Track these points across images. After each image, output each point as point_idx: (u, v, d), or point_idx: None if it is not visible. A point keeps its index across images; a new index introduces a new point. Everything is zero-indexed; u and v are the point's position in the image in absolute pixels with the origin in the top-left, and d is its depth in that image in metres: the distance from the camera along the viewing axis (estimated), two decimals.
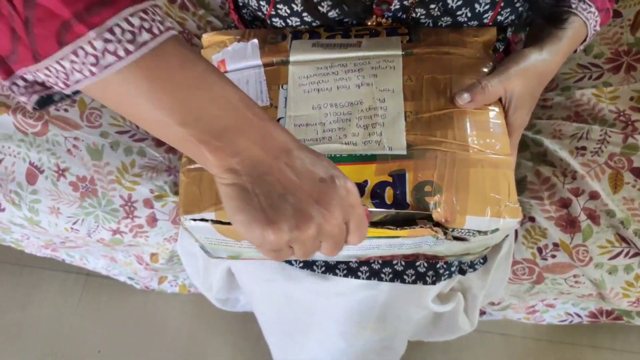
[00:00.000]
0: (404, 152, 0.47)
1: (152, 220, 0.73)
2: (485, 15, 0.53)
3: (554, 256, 0.70)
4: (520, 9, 0.55)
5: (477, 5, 0.52)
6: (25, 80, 0.35)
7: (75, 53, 0.31)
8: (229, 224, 0.46)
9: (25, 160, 0.71)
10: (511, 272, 0.72)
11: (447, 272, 0.66)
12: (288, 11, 0.53)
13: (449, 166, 0.46)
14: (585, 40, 0.59)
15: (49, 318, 1.18)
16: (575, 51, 0.60)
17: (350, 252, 0.55)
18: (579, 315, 0.89)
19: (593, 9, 0.55)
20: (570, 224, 0.69)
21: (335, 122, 0.49)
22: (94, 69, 0.31)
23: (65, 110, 0.72)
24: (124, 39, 0.31)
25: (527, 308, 0.89)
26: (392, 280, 0.64)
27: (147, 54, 0.31)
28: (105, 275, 1.14)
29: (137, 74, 0.32)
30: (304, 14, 0.54)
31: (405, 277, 0.64)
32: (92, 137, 0.71)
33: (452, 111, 0.49)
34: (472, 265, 0.69)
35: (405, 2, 0.52)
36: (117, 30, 0.31)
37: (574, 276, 0.70)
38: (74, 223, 0.73)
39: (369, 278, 0.64)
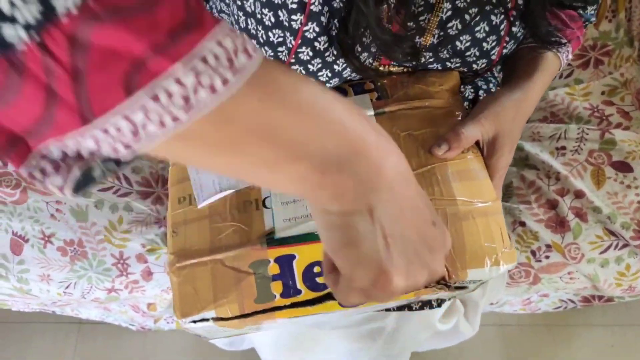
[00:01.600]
0: None
1: (148, 274, 0.72)
2: (493, 52, 0.53)
3: (547, 257, 0.72)
4: (521, 38, 0.55)
5: (484, 44, 0.52)
6: (46, 157, 0.25)
7: (155, 98, 0.22)
8: (230, 319, 0.45)
9: (8, 231, 0.68)
10: (508, 277, 0.74)
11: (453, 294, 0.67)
12: (303, 72, 0.52)
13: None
14: (559, 70, 0.60)
15: None
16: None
17: (357, 311, 0.54)
18: (572, 301, 0.92)
19: (564, 41, 0.56)
20: (559, 224, 0.71)
21: None
22: (181, 114, 0.23)
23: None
24: (219, 66, 0.23)
25: (523, 301, 0.92)
26: (399, 309, 0.64)
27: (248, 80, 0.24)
28: (99, 320, 1.12)
29: None
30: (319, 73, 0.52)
31: (412, 304, 0.65)
32: (74, 199, 0.69)
33: (434, 166, 0.49)
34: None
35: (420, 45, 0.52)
36: (211, 58, 0.23)
37: (569, 273, 0.73)
38: (67, 287, 0.71)
39: (376, 310, 0.64)
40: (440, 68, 0.54)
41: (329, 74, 0.52)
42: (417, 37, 0.50)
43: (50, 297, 0.73)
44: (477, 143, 0.52)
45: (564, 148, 0.73)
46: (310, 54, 0.49)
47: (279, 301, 0.45)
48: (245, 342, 0.95)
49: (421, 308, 0.64)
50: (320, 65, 0.51)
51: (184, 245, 0.47)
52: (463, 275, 0.46)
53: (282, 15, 0.46)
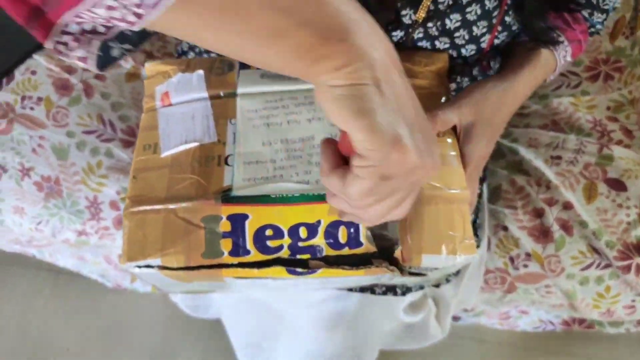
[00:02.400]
0: None
1: (118, 222, 0.71)
2: (483, 39, 0.52)
3: (525, 266, 0.69)
4: (516, 31, 0.54)
5: (474, 28, 0.50)
6: (67, 33, 0.28)
7: None
8: (175, 269, 0.43)
9: None
10: (483, 281, 0.72)
11: (418, 285, 0.65)
12: None
13: None
14: (556, 70, 0.58)
15: (17, 315, 1.15)
16: (545, 80, 0.59)
17: (308, 286, 0.53)
18: (552, 323, 0.89)
19: (562, 38, 0.55)
20: (543, 234, 0.68)
21: (287, 159, 0.46)
22: None
23: (31, 108, 0.70)
24: None
25: (501, 314, 0.89)
26: (362, 291, 0.63)
27: None
28: (76, 272, 1.12)
29: None
30: None
31: (375, 288, 0.63)
32: (58, 137, 0.69)
33: None
34: (446, 278, 0.68)
35: (411, 19, 0.50)
36: None
37: (546, 286, 0.70)
38: (39, 223, 0.70)
39: (339, 289, 0.63)
40: (429, 47, 0.53)
41: None
42: (409, 9, 0.49)
43: (22, 232, 0.73)
44: (454, 129, 0.51)
45: (559, 157, 0.71)
46: None
47: (226, 258, 0.44)
48: (210, 310, 0.94)
49: (384, 293, 0.63)
50: None
51: (141, 192, 0.46)
52: (417, 260, 0.45)
53: None
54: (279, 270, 0.43)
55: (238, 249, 0.43)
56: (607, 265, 0.67)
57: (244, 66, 0.52)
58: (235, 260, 0.43)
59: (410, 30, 0.51)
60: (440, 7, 0.49)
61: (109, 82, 0.73)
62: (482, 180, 0.69)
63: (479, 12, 0.49)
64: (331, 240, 0.44)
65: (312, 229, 0.43)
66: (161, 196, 0.45)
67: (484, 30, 0.51)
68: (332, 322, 0.68)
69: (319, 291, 0.64)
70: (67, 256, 0.94)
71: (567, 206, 0.68)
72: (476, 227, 0.69)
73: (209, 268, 0.43)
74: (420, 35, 0.52)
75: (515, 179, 0.72)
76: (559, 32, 0.53)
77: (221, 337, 1.08)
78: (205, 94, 0.50)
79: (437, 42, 0.52)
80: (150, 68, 0.53)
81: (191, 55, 0.64)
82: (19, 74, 0.71)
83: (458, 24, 0.50)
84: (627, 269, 0.66)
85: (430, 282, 0.62)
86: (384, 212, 0.35)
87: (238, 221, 0.44)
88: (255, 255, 0.43)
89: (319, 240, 0.43)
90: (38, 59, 0.72)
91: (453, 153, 0.49)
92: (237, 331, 0.75)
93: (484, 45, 0.52)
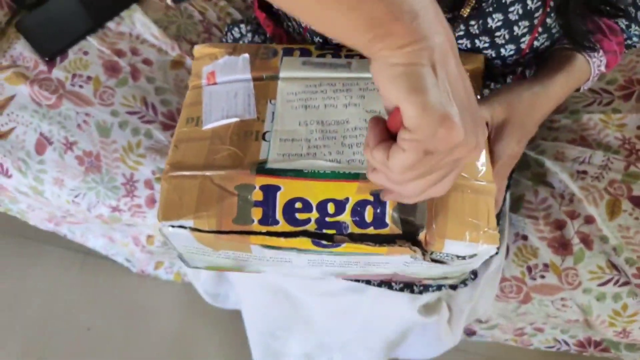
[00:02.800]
0: None
1: (151, 202, 0.75)
2: (523, 40, 0.53)
3: (542, 277, 0.70)
4: (556, 35, 0.55)
5: (515, 28, 0.52)
6: None
7: None
8: (206, 231, 0.46)
9: (37, 130, 0.73)
10: (499, 289, 0.72)
11: (435, 285, 0.66)
12: None
13: None
14: (590, 79, 0.58)
15: (44, 291, 1.20)
16: (578, 90, 0.60)
17: (329, 267, 0.54)
18: (566, 343, 0.88)
19: (598, 47, 0.56)
20: (562, 246, 0.69)
21: (321, 139, 0.49)
22: None
23: (80, 86, 0.74)
24: None
25: (515, 330, 0.89)
26: (380, 285, 0.64)
27: None
28: (104, 255, 1.16)
29: None
30: None
31: (393, 284, 0.65)
32: (102, 115, 0.73)
33: None
34: (463, 281, 0.69)
35: (454, 15, 0.52)
36: None
37: (562, 299, 0.70)
38: (76, 196, 0.74)
39: (357, 281, 0.64)
40: (469, 45, 0.55)
41: None
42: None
43: (59, 204, 0.77)
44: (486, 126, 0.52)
45: (585, 172, 0.72)
46: None
47: (255, 226, 0.46)
48: (229, 299, 0.97)
49: (401, 290, 0.64)
50: None
51: (181, 159, 0.49)
52: (440, 244, 0.46)
53: None
54: (305, 241, 0.45)
55: (267, 218, 0.45)
56: (626, 283, 0.67)
57: (287, 53, 0.55)
58: (264, 228, 0.45)
59: (452, 26, 0.53)
60: (484, 5, 0.51)
61: (155, 67, 0.77)
62: (506, 188, 0.70)
63: (520, 11, 0.51)
64: (357, 218, 0.45)
65: (340, 206, 0.45)
66: (199, 164, 0.48)
67: (525, 30, 0.52)
68: (347, 314, 0.69)
69: (337, 281, 0.65)
70: (98, 235, 0.99)
71: (589, 220, 0.68)
72: None
73: (238, 234, 0.45)
74: (461, 33, 0.54)
75: (539, 190, 0.72)
76: (595, 39, 0.55)
77: (237, 330, 1.10)
78: (249, 76, 0.53)
79: (477, 41, 0.54)
80: (199, 50, 0.56)
81: (230, 37, 0.67)
82: (72, 53, 0.76)
83: (499, 23, 0.52)
84: None
85: (448, 283, 0.62)
86: (424, 188, 0.37)
87: (270, 192, 0.46)
88: (283, 226, 0.45)
89: (346, 217, 0.45)
90: (91, 41, 0.76)
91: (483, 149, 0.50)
92: (253, 318, 0.77)
93: (523, 45, 0.54)
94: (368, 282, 0.64)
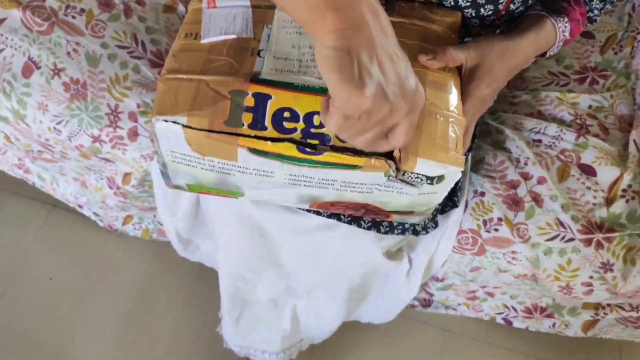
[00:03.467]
0: None
1: (133, 134, 0.77)
2: (501, 1, 0.60)
3: (496, 230, 0.75)
4: (529, 1, 0.62)
5: None
6: None
7: None
8: (198, 129, 0.49)
9: (25, 54, 0.74)
10: (456, 240, 0.78)
11: (400, 227, 0.71)
12: None
13: None
14: (555, 43, 0.65)
15: (7, 239, 1.18)
16: (544, 54, 0.67)
17: (307, 188, 0.57)
18: (514, 309, 0.94)
19: (563, 15, 0.63)
20: (515, 203, 0.75)
21: (312, 60, 0.53)
22: None
23: (73, 17, 0.76)
24: None
25: (468, 292, 0.94)
26: (350, 223, 0.69)
27: None
28: (72, 207, 1.16)
29: None
30: None
31: (362, 222, 0.69)
32: (92, 46, 0.75)
33: (416, 70, 0.54)
34: (425, 228, 0.74)
35: None
36: None
37: (512, 252, 0.76)
38: (58, 123, 0.76)
39: (329, 217, 0.69)
40: (452, 3, 0.60)
41: None
42: None
43: (40, 131, 0.78)
44: (459, 69, 0.58)
45: (539, 141, 0.78)
46: None
47: (245, 130, 0.49)
48: (199, 251, 0.99)
49: (369, 228, 0.68)
50: None
51: (178, 66, 0.53)
52: (412, 162, 0.51)
53: None
54: (290, 146, 0.49)
55: (257, 123, 0.49)
56: (571, 239, 0.73)
57: None
58: (253, 132, 0.49)
59: None
60: None
61: (148, 9, 0.80)
62: (468, 150, 0.76)
63: None
64: None
65: None
66: (196, 70, 0.51)
67: None
68: (316, 254, 0.73)
69: (310, 218, 0.69)
70: (70, 180, 0.99)
71: (541, 181, 0.75)
72: (457, 189, 0.76)
73: (228, 134, 0.49)
74: None
75: (497, 154, 0.79)
76: (562, 7, 0.62)
77: (201, 289, 1.13)
78: (248, 3, 0.57)
79: (460, 1, 0.60)
80: None
81: None
82: None
83: None
84: (588, 242, 0.72)
85: (413, 220, 0.67)
86: (368, 142, 0.44)
87: (261, 99, 0.50)
88: (271, 132, 0.49)
89: (328, 130, 0.49)
90: None
91: (455, 86, 0.56)
92: (226, 254, 0.80)
93: (500, 7, 0.60)
94: (339, 219, 0.68)
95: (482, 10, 0.61)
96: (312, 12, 0.39)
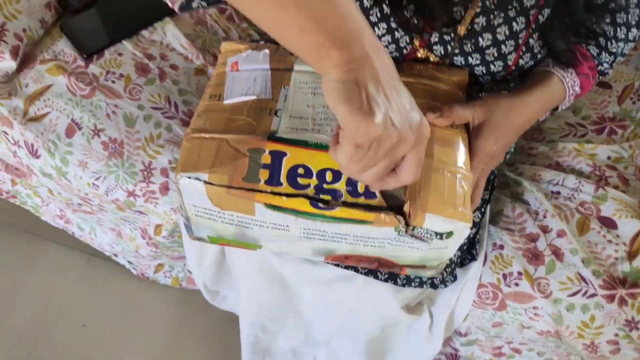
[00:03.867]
0: None
1: (165, 189, 0.82)
2: (509, 57, 0.63)
3: (517, 284, 0.75)
4: (538, 55, 0.64)
5: (503, 47, 0.62)
6: None
7: None
8: (218, 185, 0.53)
9: (69, 116, 0.81)
10: (476, 294, 0.78)
11: (417, 279, 0.72)
12: None
13: None
14: (565, 98, 0.65)
15: (44, 287, 1.24)
16: (557, 109, 0.68)
17: (320, 241, 0.59)
18: None
19: (570, 70, 0.64)
20: (535, 257, 0.75)
21: (325, 119, 0.57)
22: None
23: (113, 82, 0.83)
24: None
25: (494, 349, 0.93)
26: (367, 274, 0.70)
27: None
28: (108, 256, 1.21)
29: None
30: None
31: (379, 274, 0.71)
32: (130, 108, 0.82)
33: None
34: (443, 281, 0.74)
35: (445, 37, 0.62)
36: None
37: (534, 308, 0.75)
38: (97, 179, 0.82)
39: (346, 268, 0.71)
40: (463, 62, 0.63)
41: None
42: (449, 28, 0.61)
43: (80, 186, 0.84)
44: (467, 127, 0.60)
45: (558, 193, 0.79)
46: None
47: (262, 186, 0.53)
48: (227, 301, 1.01)
49: (386, 280, 0.70)
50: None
51: (202, 125, 0.57)
52: (421, 217, 0.53)
53: None
54: (304, 202, 0.52)
55: (273, 180, 0.53)
56: (593, 295, 0.72)
57: None
58: (269, 188, 0.52)
59: (449, 46, 0.63)
60: (476, 27, 0.60)
61: (181, 72, 0.87)
62: (486, 202, 0.77)
63: (507, 32, 0.60)
64: (350, 188, 0.53)
65: (337, 175, 0.53)
66: (218, 129, 0.56)
67: (511, 48, 0.62)
68: (335, 304, 0.75)
69: (328, 269, 0.71)
70: (107, 230, 1.05)
71: (560, 234, 0.75)
72: (475, 242, 0.76)
73: (246, 190, 0.52)
74: (457, 51, 0.63)
75: (516, 206, 0.79)
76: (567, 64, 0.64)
77: (228, 337, 1.15)
78: (267, 66, 0.62)
79: (469, 58, 0.63)
80: (225, 46, 0.66)
81: None
82: (108, 53, 0.85)
83: (489, 42, 0.61)
84: (611, 298, 0.71)
85: (427, 274, 0.68)
86: (376, 177, 0.45)
87: (277, 157, 0.53)
88: (286, 188, 0.53)
89: (341, 185, 0.53)
90: (126, 45, 0.86)
91: (463, 143, 0.58)
92: (248, 303, 0.82)
93: (510, 62, 0.63)
94: (356, 270, 0.70)
95: (492, 66, 0.64)
96: (319, 50, 0.41)
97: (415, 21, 0.60)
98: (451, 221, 0.53)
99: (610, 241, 0.74)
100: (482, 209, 0.76)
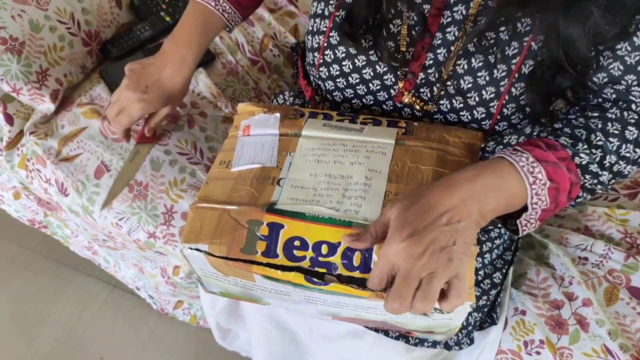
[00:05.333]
0: None
1: None
2: (492, 104, 0.61)
3: (538, 353, 0.72)
4: (526, 109, 0.61)
5: (484, 92, 0.60)
6: None
7: None
8: (217, 257, 0.54)
9: (99, 158, 0.84)
10: None
11: (431, 340, 0.69)
12: (332, 57, 0.65)
13: None
14: (528, 189, 0.51)
15: (68, 316, 1.27)
16: (533, 210, 0.52)
17: (323, 306, 0.58)
18: None
19: (526, 155, 0.51)
20: (559, 325, 0.72)
21: (326, 189, 0.57)
22: None
23: None
24: None
25: None
26: (377, 330, 0.69)
27: None
28: (130, 289, 1.23)
29: None
30: (343, 63, 0.65)
31: (389, 332, 0.69)
32: (157, 152, 0.84)
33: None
34: (458, 343, 0.72)
35: (430, 77, 0.62)
36: None
37: None
38: (120, 219, 0.84)
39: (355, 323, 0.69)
40: (449, 106, 0.63)
41: (350, 66, 0.64)
42: (434, 69, 0.61)
43: (104, 225, 0.86)
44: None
45: (586, 259, 0.76)
46: (338, 38, 0.63)
47: (258, 257, 0.53)
48: (238, 340, 1.01)
49: (397, 338, 0.68)
50: (344, 55, 0.64)
51: (209, 194, 0.58)
52: None
53: (323, 5, 0.64)
54: (298, 276, 0.52)
55: (269, 251, 0.53)
56: None
57: (312, 116, 0.65)
58: (265, 260, 0.52)
59: (435, 88, 0.62)
60: (458, 69, 0.60)
61: (209, 120, 0.89)
62: (509, 263, 0.75)
63: (487, 78, 0.59)
64: (346, 261, 0.52)
65: (332, 248, 0.52)
66: (222, 199, 0.57)
67: (492, 95, 0.60)
68: (350, 353, 0.73)
69: (338, 326, 0.70)
70: (130, 265, 1.07)
71: (586, 303, 0.72)
72: (496, 305, 0.74)
73: (243, 262, 0.53)
74: (442, 92, 0.62)
75: (541, 269, 0.76)
76: (520, 148, 0.53)
77: None
78: (277, 132, 0.63)
79: (453, 101, 0.62)
80: (241, 107, 0.68)
81: (275, 102, 0.78)
82: None
83: (470, 85, 0.60)
84: None
85: (437, 338, 0.66)
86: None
87: (275, 229, 0.53)
88: (282, 260, 0.52)
89: (336, 258, 0.52)
90: None
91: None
92: (261, 354, 0.81)
93: (493, 110, 0.61)
94: (367, 326, 0.68)
95: (475, 112, 0.62)
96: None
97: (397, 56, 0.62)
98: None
99: (639, 314, 0.70)
100: (504, 270, 0.74)
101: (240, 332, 0.97)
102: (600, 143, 0.54)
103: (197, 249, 0.54)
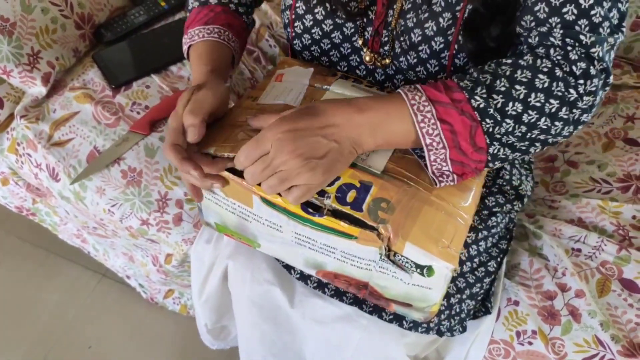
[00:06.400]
0: (379, 173, 0.55)
1: (178, 220, 0.82)
2: (443, 55, 0.60)
3: (530, 343, 0.72)
4: (473, 52, 0.59)
5: (433, 44, 0.60)
6: None
7: None
8: (224, 158, 0.56)
9: (92, 143, 0.83)
10: (487, 350, 0.75)
11: (424, 325, 0.70)
12: (302, 27, 0.66)
13: (409, 196, 0.54)
14: (413, 117, 0.52)
15: (56, 304, 1.25)
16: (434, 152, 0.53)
17: (311, 250, 0.60)
18: None
19: (420, 93, 0.52)
20: (551, 316, 0.72)
21: None
22: None
23: (138, 112, 0.85)
24: None
25: None
26: (371, 312, 0.69)
27: None
28: (120, 278, 1.22)
29: None
30: (313, 30, 0.66)
31: (384, 314, 0.69)
32: (152, 139, 0.83)
33: None
34: (450, 330, 0.72)
35: (385, 33, 0.62)
36: None
37: None
38: (112, 206, 0.82)
39: (351, 304, 0.69)
40: (406, 63, 0.63)
41: (320, 32, 0.66)
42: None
43: (95, 212, 0.85)
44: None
45: (579, 251, 0.76)
46: (304, 7, 0.65)
47: None
48: (232, 335, 1.00)
49: (391, 321, 0.68)
50: (312, 22, 0.65)
51: (229, 116, 0.62)
52: (401, 244, 0.52)
53: None
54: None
55: None
56: None
57: (344, 77, 0.66)
58: None
59: (392, 45, 0.63)
60: (408, 22, 0.60)
61: None
62: (504, 252, 0.75)
63: (434, 28, 0.59)
64: (339, 195, 0.53)
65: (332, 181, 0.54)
66: (241, 121, 0.60)
67: (442, 46, 0.59)
68: (338, 346, 0.73)
69: (331, 309, 0.70)
70: (119, 254, 1.05)
71: (579, 294, 0.72)
72: (490, 294, 0.74)
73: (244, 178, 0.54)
74: (398, 50, 0.63)
75: (534, 260, 0.77)
76: (418, 86, 0.53)
77: None
78: (307, 82, 0.65)
79: (408, 57, 0.62)
80: (282, 60, 0.71)
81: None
82: (136, 85, 0.87)
83: (420, 37, 0.60)
84: None
85: (414, 316, 0.64)
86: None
87: None
88: None
89: (332, 189, 0.54)
90: (154, 78, 0.88)
91: (475, 190, 0.57)
92: (249, 339, 0.80)
93: (445, 62, 0.61)
94: (361, 307, 0.69)
95: (428, 66, 0.62)
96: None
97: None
98: (430, 256, 0.51)
99: (631, 305, 0.71)
100: (499, 259, 0.74)
101: (232, 326, 0.96)
102: (502, 89, 0.51)
103: (207, 153, 0.57)
